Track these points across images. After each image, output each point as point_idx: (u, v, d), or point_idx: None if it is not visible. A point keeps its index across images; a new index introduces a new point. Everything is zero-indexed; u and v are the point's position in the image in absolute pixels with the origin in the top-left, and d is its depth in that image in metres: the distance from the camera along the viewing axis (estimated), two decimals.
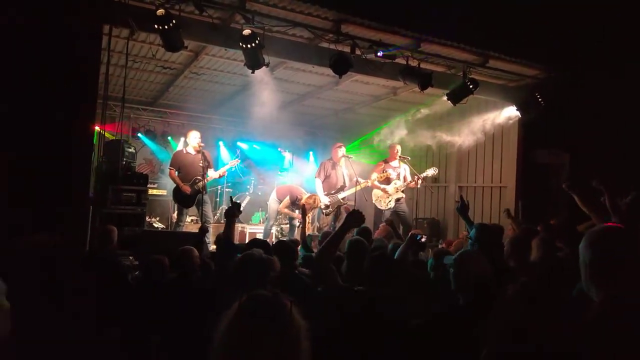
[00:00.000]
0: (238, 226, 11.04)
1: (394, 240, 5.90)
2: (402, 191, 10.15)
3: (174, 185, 9.30)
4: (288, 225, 10.90)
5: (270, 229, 10.57)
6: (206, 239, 7.44)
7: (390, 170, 10.12)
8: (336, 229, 9.26)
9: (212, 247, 7.98)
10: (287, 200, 10.15)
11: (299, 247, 6.14)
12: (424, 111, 10.56)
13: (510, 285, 2.39)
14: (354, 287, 3.43)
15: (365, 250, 4.87)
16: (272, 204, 10.34)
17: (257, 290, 1.89)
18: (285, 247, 4.58)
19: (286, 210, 10.27)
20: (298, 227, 10.24)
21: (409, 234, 5.64)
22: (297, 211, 10.24)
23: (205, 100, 12.19)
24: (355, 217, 3.69)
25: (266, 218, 10.98)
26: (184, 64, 9.69)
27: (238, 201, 4.70)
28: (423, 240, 5.13)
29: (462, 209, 5.30)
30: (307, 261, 5.27)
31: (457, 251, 4.16)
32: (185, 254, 4.85)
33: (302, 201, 9.63)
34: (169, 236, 8.33)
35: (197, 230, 6.68)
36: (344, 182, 10.20)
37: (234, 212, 4.53)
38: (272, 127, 10.88)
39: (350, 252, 4.76)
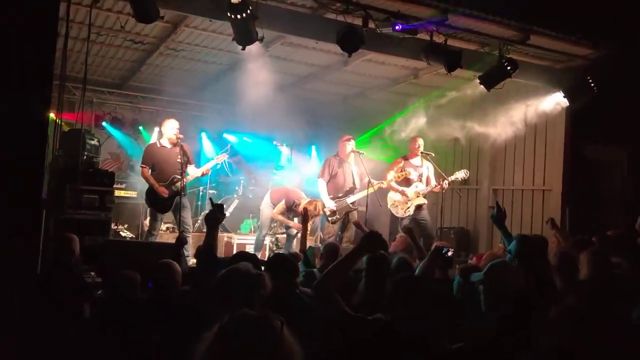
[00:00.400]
0: (223, 236, 11.01)
1: (399, 254, 5.83)
2: (424, 196, 10.07)
3: (147, 185, 9.23)
4: (284, 236, 10.77)
5: (263, 240, 10.50)
6: (185, 251, 7.36)
7: (410, 170, 10.00)
8: (342, 240, 9.43)
9: (192, 261, 7.90)
10: (282, 205, 10.10)
11: (300, 262, 6.08)
12: (451, 95, 10.46)
13: (555, 305, 2.50)
14: (368, 317, 3.54)
15: (388, 266, 4.90)
16: (265, 209, 10.29)
17: (242, 310, 1.95)
18: (283, 261, 4.59)
19: (281, 218, 10.21)
20: (295, 236, 10.21)
21: (433, 245, 5.61)
22: (295, 219, 10.24)
23: (185, 82, 12.09)
24: (373, 241, 3.70)
25: (258, 226, 10.93)
26: (159, 38, 9.57)
27: (219, 202, 4.63)
28: (449, 254, 5.15)
29: (498, 217, 5.27)
30: (308, 279, 5.26)
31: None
32: (164, 268, 4.77)
33: (300, 207, 9.60)
34: (139, 247, 8.31)
35: (173, 241, 6.65)
36: (354, 183, 10.07)
37: (216, 217, 4.47)
38: (266, 116, 10.77)
39: (369, 269, 4.82)
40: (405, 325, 3.31)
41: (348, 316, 3.50)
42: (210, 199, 4.99)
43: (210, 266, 4.19)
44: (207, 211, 10.91)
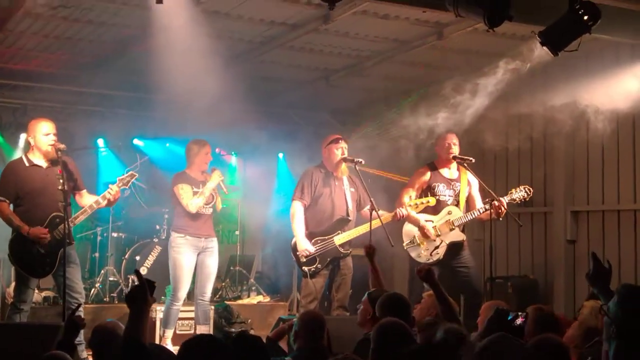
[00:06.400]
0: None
1: (442, 326, 5.25)
2: (463, 229, 9.02)
3: (11, 231, 8.38)
4: (248, 299, 11.20)
5: (176, 309, 9.70)
6: (78, 341, 6.95)
7: (440, 188, 8.97)
8: (332, 304, 9.24)
9: (85, 355, 7.91)
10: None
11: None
12: (497, 65, 9.34)
13: None
14: None
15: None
16: (176, 251, 9.59)
17: None
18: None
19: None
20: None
21: (485, 308, 5.77)
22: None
23: (71, 58, 10.83)
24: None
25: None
26: None
27: (149, 279, 4.27)
28: (519, 322, 4.92)
29: (598, 276, 4.60)
30: None
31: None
32: None
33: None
34: None
35: (56, 319, 6.27)
36: (347, 212, 9.02)
37: (144, 298, 4.14)
38: (201, 109, 10.11)
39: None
40: None
41: None
42: (137, 271, 4.66)
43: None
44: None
